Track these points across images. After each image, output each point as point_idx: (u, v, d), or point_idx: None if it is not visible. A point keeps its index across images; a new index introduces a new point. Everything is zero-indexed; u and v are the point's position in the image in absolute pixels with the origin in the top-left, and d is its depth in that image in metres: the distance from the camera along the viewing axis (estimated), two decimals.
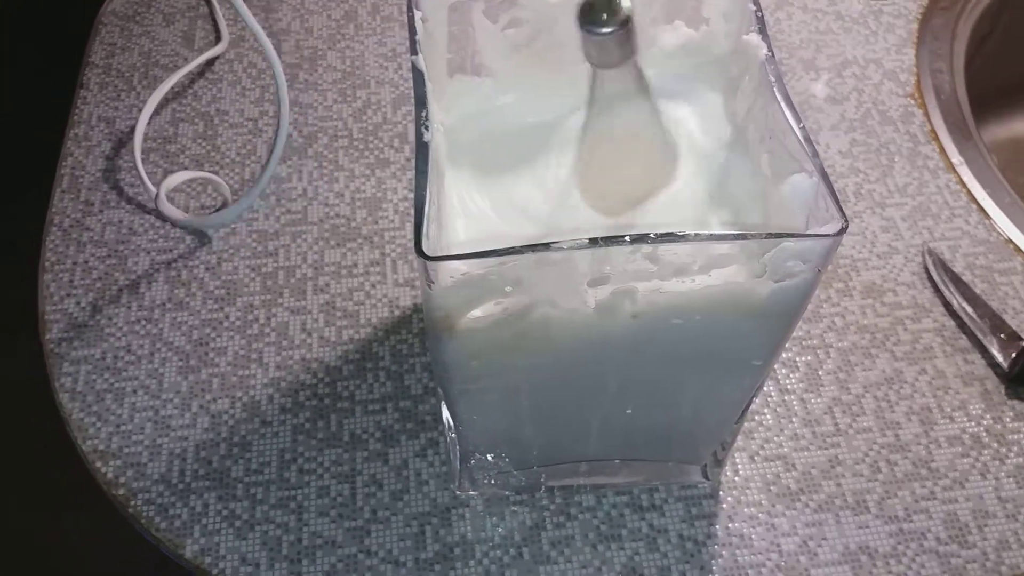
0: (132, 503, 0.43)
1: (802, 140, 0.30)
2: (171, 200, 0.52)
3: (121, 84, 0.59)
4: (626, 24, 0.30)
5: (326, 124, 0.58)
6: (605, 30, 0.30)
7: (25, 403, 0.79)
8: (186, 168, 0.55)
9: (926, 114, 0.59)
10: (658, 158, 0.35)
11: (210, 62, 0.61)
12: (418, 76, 0.32)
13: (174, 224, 0.52)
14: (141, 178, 0.52)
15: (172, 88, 0.59)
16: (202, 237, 0.52)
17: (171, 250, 0.52)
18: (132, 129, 0.56)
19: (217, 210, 0.53)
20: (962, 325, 0.50)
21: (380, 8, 0.64)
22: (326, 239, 0.52)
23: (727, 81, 0.37)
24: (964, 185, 0.56)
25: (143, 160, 0.55)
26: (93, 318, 0.49)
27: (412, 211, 0.53)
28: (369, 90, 0.59)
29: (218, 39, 0.61)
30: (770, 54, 0.33)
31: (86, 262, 0.51)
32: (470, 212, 0.36)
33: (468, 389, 0.35)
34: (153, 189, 0.51)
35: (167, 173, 0.53)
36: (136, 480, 0.43)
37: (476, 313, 0.30)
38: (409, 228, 0.53)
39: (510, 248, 0.27)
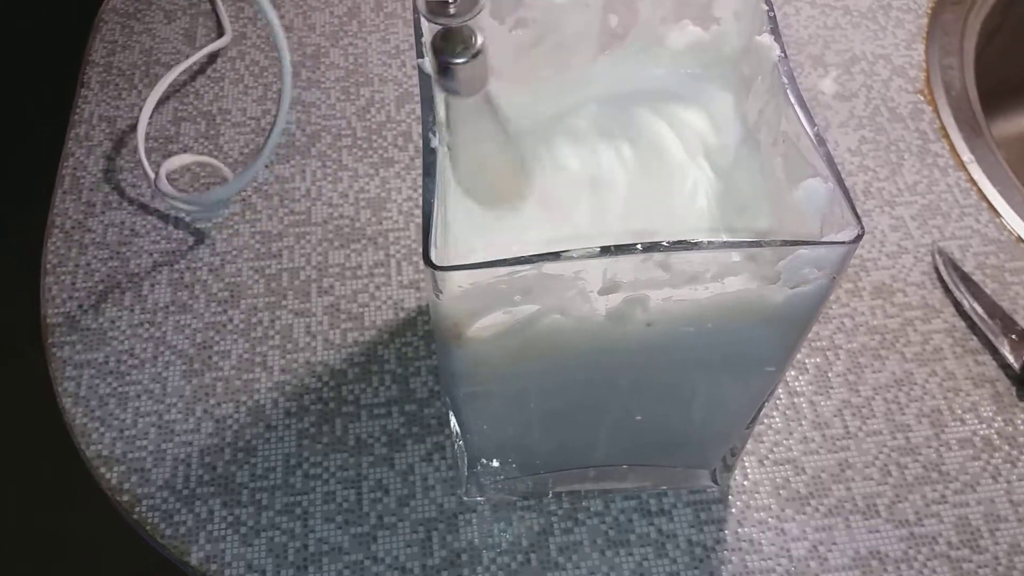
0: (136, 509, 0.42)
1: (817, 144, 0.30)
2: (172, 184, 0.52)
3: (122, 83, 0.59)
4: (476, 56, 0.31)
5: (329, 123, 0.57)
6: (457, 61, 0.31)
7: (27, 408, 0.79)
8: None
9: (936, 111, 0.59)
10: (511, 178, 0.36)
11: (212, 59, 0.60)
12: (425, 79, 0.32)
13: (173, 206, 0.52)
14: (143, 167, 0.52)
15: (173, 85, 0.58)
16: (205, 238, 0.52)
17: (174, 251, 0.51)
18: (134, 127, 0.56)
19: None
20: (973, 326, 0.49)
21: (384, 4, 0.63)
22: (330, 240, 0.52)
23: (738, 81, 0.37)
24: (974, 183, 0.55)
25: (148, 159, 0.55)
26: (96, 321, 0.48)
27: (417, 211, 0.53)
28: (373, 88, 0.59)
29: (220, 34, 0.61)
30: (783, 55, 0.33)
31: (88, 264, 0.51)
32: (476, 215, 0.35)
33: (475, 396, 0.35)
34: (152, 174, 0.51)
35: (164, 157, 0.53)
36: (140, 486, 0.43)
37: (484, 322, 0.30)
38: (414, 228, 0.52)
39: (520, 257, 0.27)
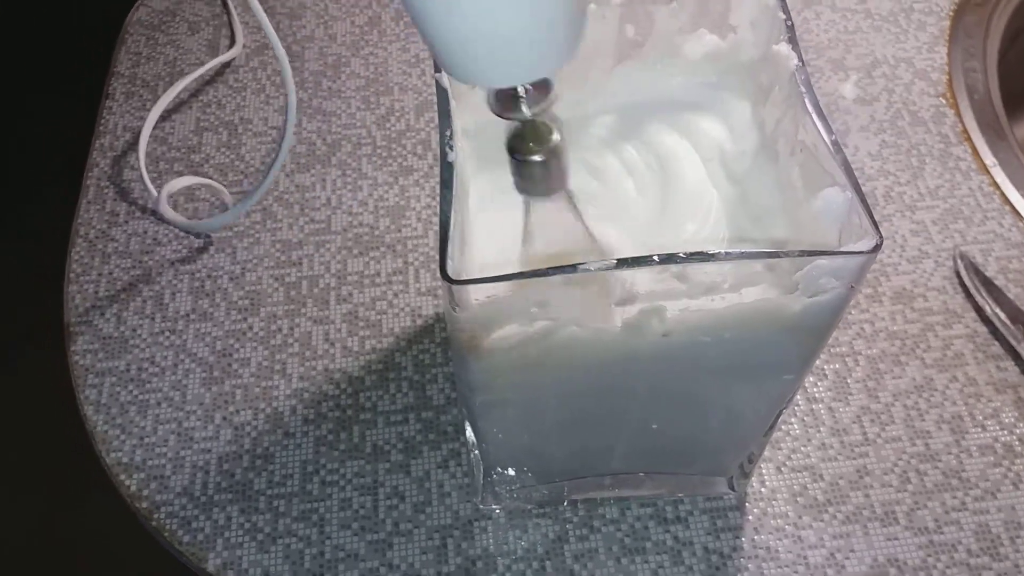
0: (155, 516, 0.43)
1: (834, 153, 0.30)
2: (180, 205, 0.52)
3: (147, 94, 0.60)
4: (553, 153, 0.29)
5: (350, 132, 0.57)
6: (531, 158, 0.29)
7: (50, 415, 0.80)
8: (204, 175, 0.55)
9: (958, 114, 0.58)
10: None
11: (232, 69, 0.61)
12: (442, 93, 0.32)
13: (176, 227, 0.52)
14: (145, 183, 0.52)
15: (195, 96, 0.59)
16: (225, 247, 0.52)
17: (195, 260, 0.52)
18: (155, 139, 0.57)
19: (216, 215, 0.53)
20: (995, 331, 0.49)
21: (403, 14, 0.64)
22: (349, 248, 0.52)
23: (756, 90, 0.36)
24: (997, 187, 0.55)
25: (165, 171, 0.56)
26: (118, 329, 0.49)
27: (435, 219, 0.53)
28: (392, 97, 0.59)
29: (233, 44, 0.61)
30: (800, 64, 0.33)
31: (111, 273, 0.51)
32: (494, 226, 0.35)
33: (492, 405, 0.35)
34: (155, 192, 0.51)
35: (168, 179, 0.54)
36: (159, 493, 0.43)
37: (501, 333, 0.30)
38: (432, 236, 0.53)
39: (536, 271, 0.27)
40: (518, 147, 0.28)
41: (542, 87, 0.28)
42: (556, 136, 0.29)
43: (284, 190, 0.55)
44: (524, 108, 0.28)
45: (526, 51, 0.26)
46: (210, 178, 0.54)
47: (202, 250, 0.52)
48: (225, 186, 0.53)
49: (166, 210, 0.50)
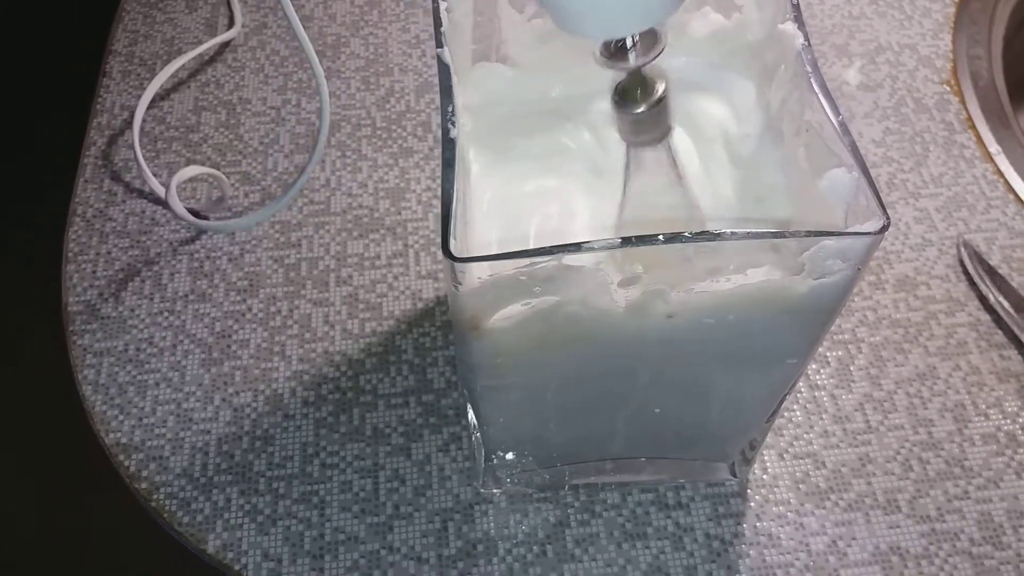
0: (154, 497, 0.43)
1: (842, 134, 0.29)
2: (188, 192, 0.51)
3: (144, 72, 0.59)
4: (660, 103, 0.30)
5: (349, 113, 0.57)
6: (639, 109, 0.30)
7: (48, 395, 0.79)
8: (198, 163, 0.54)
9: (962, 101, 0.58)
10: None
11: (231, 49, 0.60)
12: (444, 69, 0.32)
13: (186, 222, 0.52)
14: (140, 166, 0.52)
15: (194, 76, 0.58)
16: (224, 228, 0.52)
17: (193, 241, 0.51)
18: (155, 117, 0.56)
19: (236, 215, 0.52)
20: (998, 320, 0.48)
21: None
22: (349, 230, 0.52)
23: (761, 70, 0.36)
24: (1001, 175, 0.54)
25: (164, 150, 0.55)
26: (116, 309, 0.49)
27: (435, 201, 0.53)
28: (393, 78, 0.59)
29: (231, 24, 0.61)
30: (806, 44, 0.32)
31: (109, 253, 0.51)
32: (495, 204, 0.35)
33: (493, 388, 0.35)
34: (158, 185, 0.51)
35: (172, 169, 0.53)
36: (158, 474, 0.43)
37: (503, 313, 0.29)
38: (433, 219, 0.52)
39: (540, 248, 0.27)
40: (626, 98, 0.30)
41: (649, 37, 0.29)
42: (661, 86, 0.30)
43: (283, 171, 0.54)
44: (633, 58, 0.29)
45: (639, 1, 0.27)
46: (211, 164, 0.53)
47: (200, 230, 0.52)
48: (226, 173, 0.53)
49: (176, 205, 0.49)
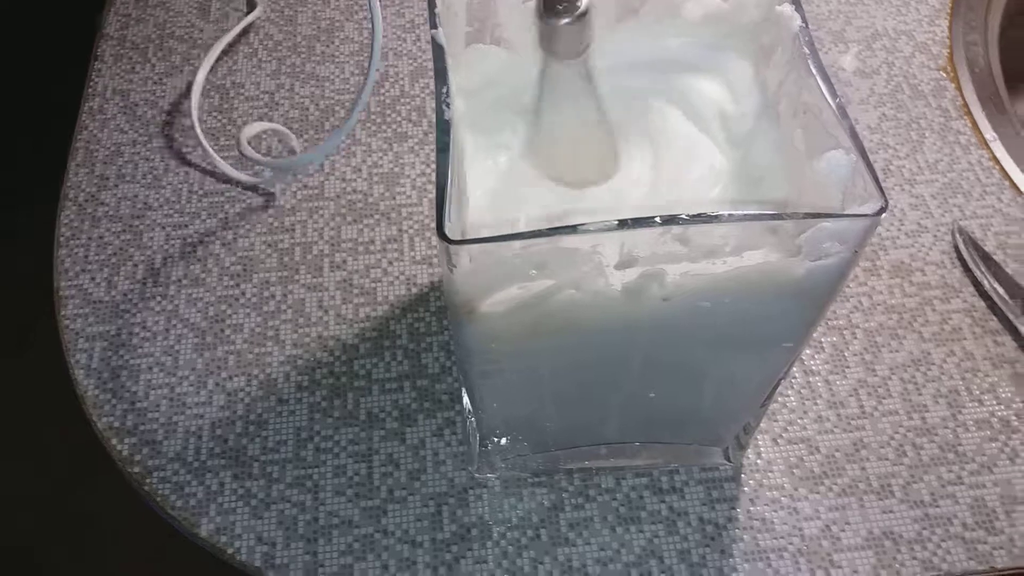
0: (147, 481, 0.42)
1: (840, 116, 0.29)
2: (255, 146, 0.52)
3: (136, 56, 0.59)
4: (583, 16, 0.30)
5: (343, 97, 0.57)
6: (562, 21, 0.30)
7: (40, 379, 0.79)
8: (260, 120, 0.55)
9: (958, 88, 0.58)
10: (602, 150, 0.35)
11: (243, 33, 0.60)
12: (438, 51, 0.31)
13: (253, 168, 0.52)
14: (199, 139, 0.52)
15: (187, 58, 0.58)
16: (218, 212, 0.51)
17: (186, 225, 0.51)
18: (147, 100, 0.56)
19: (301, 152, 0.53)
20: (992, 306, 0.48)
21: None
22: (343, 215, 0.52)
23: (758, 51, 0.36)
24: (997, 161, 0.54)
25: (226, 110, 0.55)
26: (108, 294, 0.48)
27: (430, 186, 0.53)
28: (387, 62, 0.58)
29: (251, 7, 0.60)
30: (804, 25, 0.32)
31: (101, 237, 0.51)
32: (489, 186, 0.35)
33: (488, 373, 0.35)
34: (207, 144, 0.51)
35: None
36: (152, 458, 0.43)
37: (499, 297, 0.29)
38: (427, 204, 0.52)
39: (536, 231, 0.27)
40: (548, 7, 0.30)
41: None
42: (585, 1, 0.30)
43: (278, 155, 0.54)
44: None
45: None
46: (277, 123, 0.54)
47: (194, 215, 0.51)
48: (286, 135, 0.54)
49: (248, 151, 0.50)
